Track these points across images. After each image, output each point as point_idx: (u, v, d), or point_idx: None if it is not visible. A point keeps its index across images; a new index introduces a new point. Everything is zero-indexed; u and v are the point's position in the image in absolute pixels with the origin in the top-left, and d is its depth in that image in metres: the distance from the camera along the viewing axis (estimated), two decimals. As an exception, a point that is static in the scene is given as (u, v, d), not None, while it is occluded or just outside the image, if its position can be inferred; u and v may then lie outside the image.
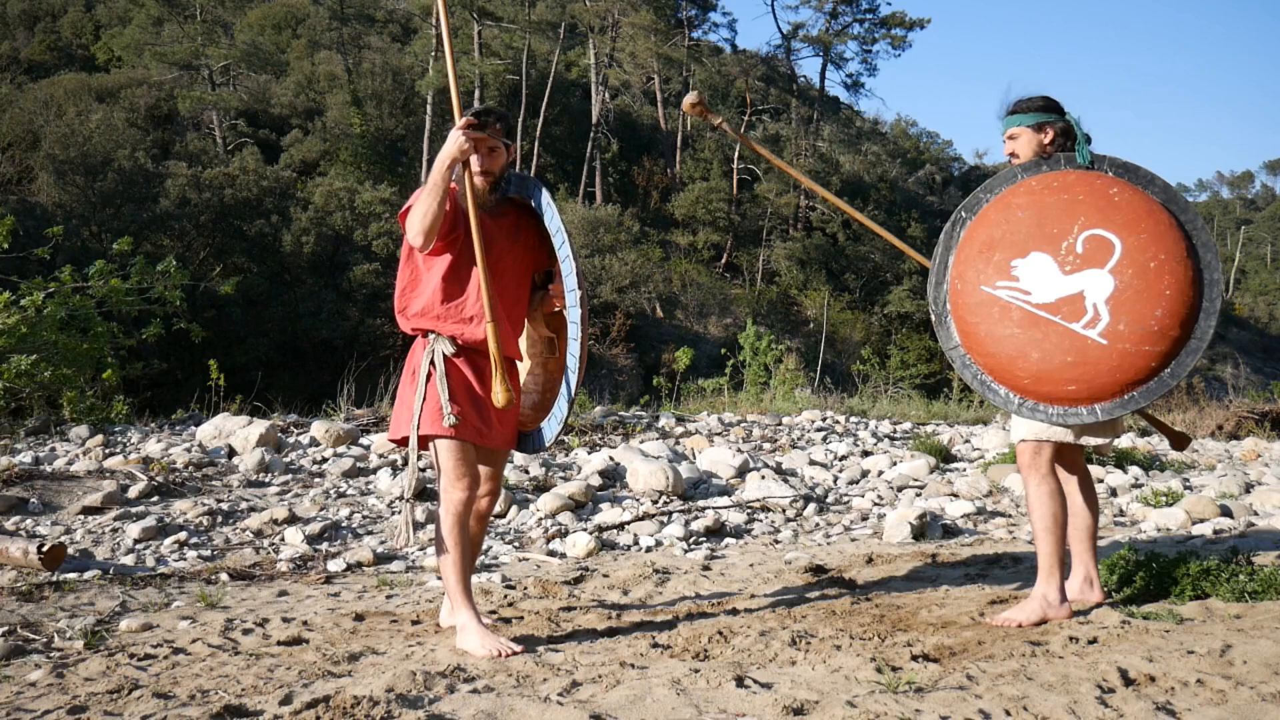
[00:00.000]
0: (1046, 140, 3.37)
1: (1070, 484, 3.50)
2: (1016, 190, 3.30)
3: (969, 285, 3.29)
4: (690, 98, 3.74)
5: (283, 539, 5.13)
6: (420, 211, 3.16)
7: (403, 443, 3.32)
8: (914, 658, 2.90)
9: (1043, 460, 3.33)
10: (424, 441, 3.26)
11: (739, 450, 7.33)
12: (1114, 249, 3.09)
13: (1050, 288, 3.15)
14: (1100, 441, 3.39)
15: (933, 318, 3.42)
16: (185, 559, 4.76)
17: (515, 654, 3.05)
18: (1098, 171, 3.24)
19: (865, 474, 7.12)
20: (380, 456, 6.66)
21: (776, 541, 5.31)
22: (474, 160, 3.27)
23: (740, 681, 2.68)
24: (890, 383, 13.25)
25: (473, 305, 3.27)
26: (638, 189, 39.42)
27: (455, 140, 3.16)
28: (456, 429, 3.20)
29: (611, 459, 6.71)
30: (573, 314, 3.30)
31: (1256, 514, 5.82)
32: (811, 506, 6.01)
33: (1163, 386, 3.09)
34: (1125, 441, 8.57)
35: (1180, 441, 3.74)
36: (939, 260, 3.41)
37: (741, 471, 6.73)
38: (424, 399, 3.22)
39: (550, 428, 3.43)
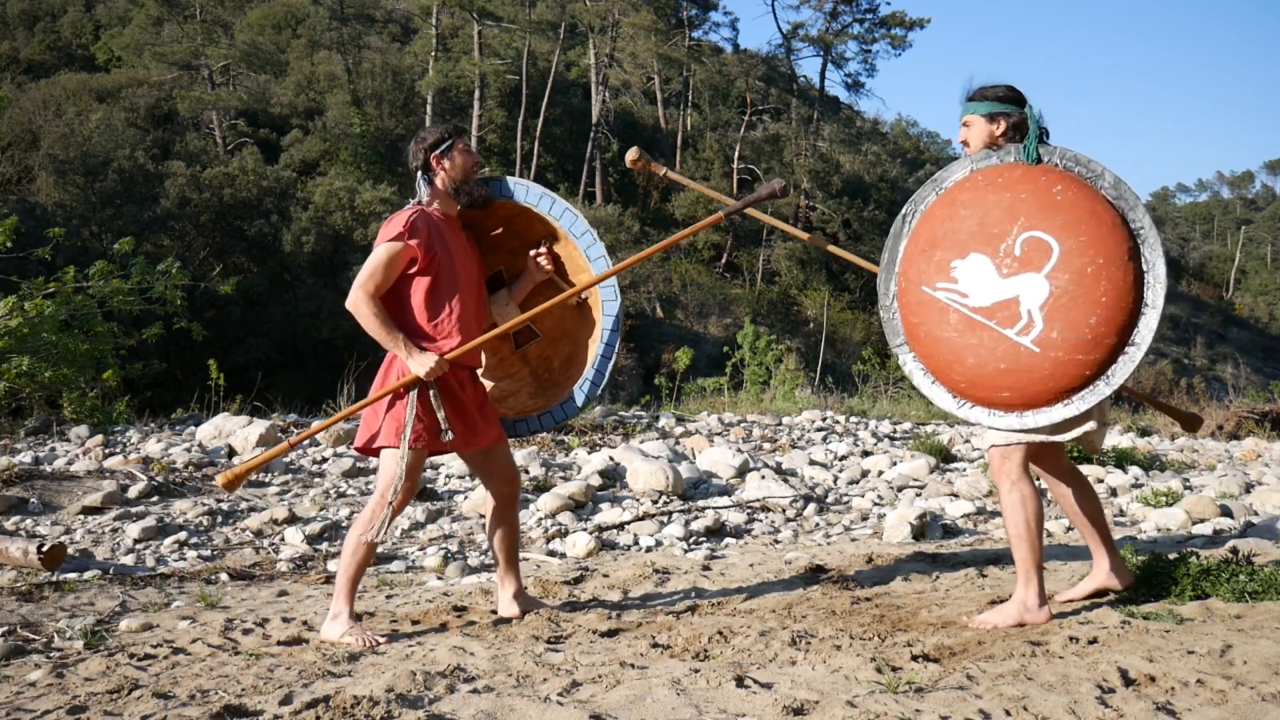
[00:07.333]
0: (998, 131, 3.27)
1: (1060, 485, 3.46)
2: (962, 185, 3.20)
3: (912, 285, 3.23)
4: (631, 153, 4.01)
5: (283, 539, 5.13)
6: (365, 321, 3.36)
7: (375, 452, 3.48)
8: (914, 658, 2.90)
9: (1012, 465, 3.23)
10: (378, 449, 3.44)
11: (739, 450, 7.33)
12: (1052, 252, 2.99)
13: (987, 291, 3.08)
14: (1071, 436, 3.21)
15: (882, 314, 3.36)
16: (185, 559, 4.76)
17: (380, 644, 3.27)
18: (1046, 165, 3.12)
19: (865, 474, 7.12)
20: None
21: (776, 541, 5.31)
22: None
23: (740, 681, 2.67)
24: (890, 383, 13.22)
25: (453, 322, 3.46)
26: (638, 189, 39.40)
27: (431, 368, 3.34)
28: (445, 443, 3.44)
29: (611, 459, 6.71)
30: (608, 298, 3.70)
31: (1256, 514, 5.81)
32: (811, 506, 6.00)
33: (1097, 394, 3.00)
34: (1125, 441, 8.57)
35: (1192, 423, 3.68)
36: (888, 255, 3.32)
37: (741, 471, 6.72)
38: (415, 414, 3.37)
39: (583, 391, 3.72)
